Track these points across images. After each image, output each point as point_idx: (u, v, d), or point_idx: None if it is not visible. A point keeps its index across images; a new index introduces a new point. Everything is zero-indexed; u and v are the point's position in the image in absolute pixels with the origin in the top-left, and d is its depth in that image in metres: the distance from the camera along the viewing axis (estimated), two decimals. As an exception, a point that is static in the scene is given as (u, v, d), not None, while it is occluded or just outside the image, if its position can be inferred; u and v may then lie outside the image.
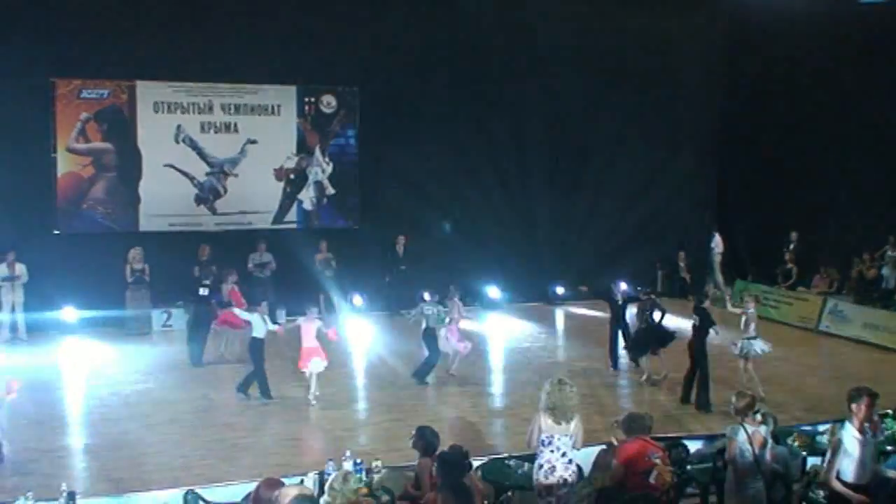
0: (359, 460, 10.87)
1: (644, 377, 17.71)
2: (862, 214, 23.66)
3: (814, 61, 24.95)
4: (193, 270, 21.85)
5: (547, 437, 9.79)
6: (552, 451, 9.77)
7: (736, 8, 26.68)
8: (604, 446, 11.58)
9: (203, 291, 19.03)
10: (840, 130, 24.29)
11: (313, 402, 15.87)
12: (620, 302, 18.61)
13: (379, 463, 10.88)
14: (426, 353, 17.52)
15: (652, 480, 9.79)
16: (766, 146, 26.81)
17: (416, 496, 9.87)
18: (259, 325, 16.40)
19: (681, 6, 26.74)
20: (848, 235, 23.87)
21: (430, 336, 17.45)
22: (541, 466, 9.82)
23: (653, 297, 18.53)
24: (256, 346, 16.33)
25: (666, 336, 17.66)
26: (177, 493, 10.69)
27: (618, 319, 18.73)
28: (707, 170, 28.31)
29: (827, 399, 16.52)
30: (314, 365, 15.98)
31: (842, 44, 24.02)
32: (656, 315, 17.72)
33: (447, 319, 17.56)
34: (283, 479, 8.93)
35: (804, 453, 11.85)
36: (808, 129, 25.19)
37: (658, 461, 9.86)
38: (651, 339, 17.82)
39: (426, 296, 17.68)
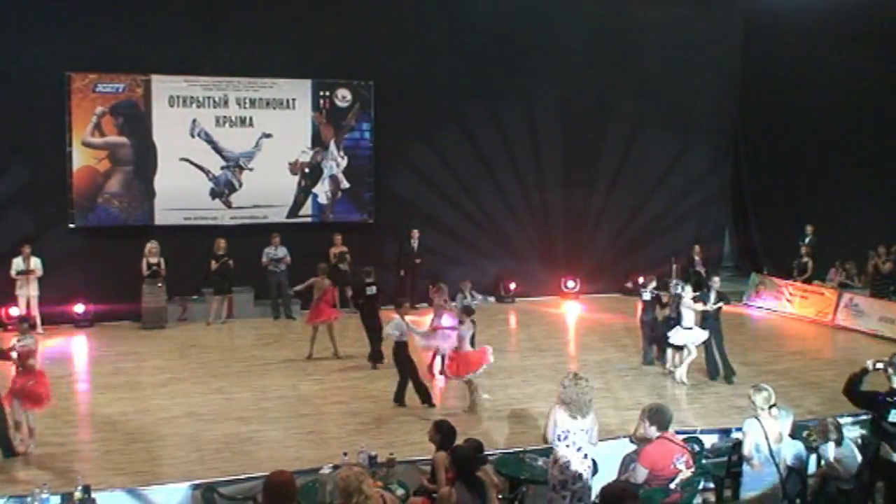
0: (374, 454, 10.90)
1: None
2: (877, 208, 23.59)
3: (830, 54, 24.86)
4: (210, 264, 22.04)
5: (563, 432, 9.76)
6: (568, 446, 9.74)
7: (752, 1, 26.60)
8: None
9: (371, 290, 18.29)
10: (856, 124, 24.21)
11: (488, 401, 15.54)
12: (649, 297, 18.46)
13: (394, 456, 10.88)
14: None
15: (672, 486, 9.78)
16: (781, 139, 26.76)
17: (431, 490, 9.87)
18: (401, 328, 15.65)
19: (697, -1, 26.72)
20: (863, 229, 23.79)
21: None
22: (556, 461, 9.79)
23: (659, 293, 18.46)
24: (400, 351, 15.68)
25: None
26: (192, 487, 10.74)
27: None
28: (723, 163, 28.22)
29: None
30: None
31: (858, 36, 23.91)
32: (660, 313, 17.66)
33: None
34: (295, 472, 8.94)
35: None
36: (823, 123, 25.14)
37: (683, 467, 9.83)
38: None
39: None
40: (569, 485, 9.69)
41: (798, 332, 22.41)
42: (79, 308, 21.53)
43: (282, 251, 22.73)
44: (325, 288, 18.89)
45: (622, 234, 26.26)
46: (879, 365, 10.48)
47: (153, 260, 21.42)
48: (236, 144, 23.00)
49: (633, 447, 11.69)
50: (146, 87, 22.11)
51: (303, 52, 23.08)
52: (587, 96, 25.67)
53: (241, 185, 23.10)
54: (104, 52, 21.44)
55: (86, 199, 21.83)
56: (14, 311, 20.63)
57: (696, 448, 11.51)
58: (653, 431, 10.22)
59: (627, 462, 11.13)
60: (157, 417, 14.94)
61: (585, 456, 9.80)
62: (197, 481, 10.88)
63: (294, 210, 23.65)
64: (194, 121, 22.57)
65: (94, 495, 9.95)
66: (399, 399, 15.65)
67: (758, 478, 9.91)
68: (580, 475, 9.71)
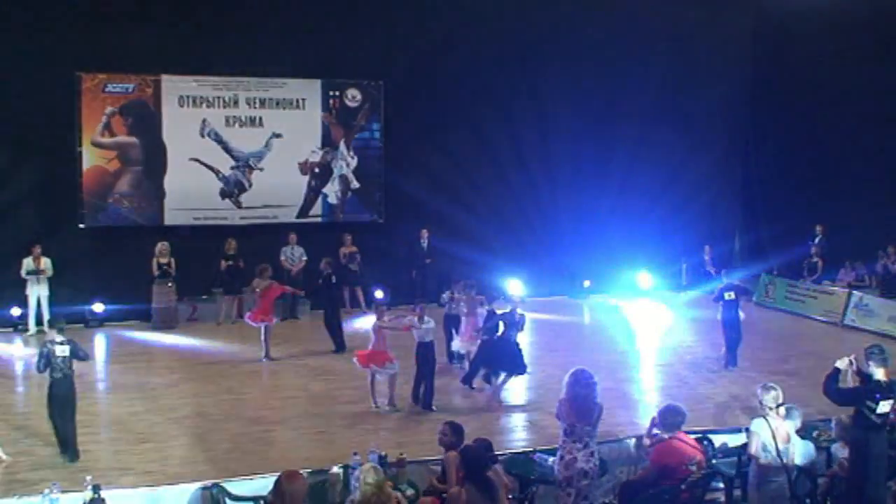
0: (384, 454, 10.90)
1: None
2: (887, 208, 23.52)
3: (839, 55, 24.78)
4: (220, 264, 22.06)
5: (569, 427, 9.71)
6: (574, 441, 9.69)
7: (763, 1, 26.56)
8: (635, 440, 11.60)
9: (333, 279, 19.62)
10: (866, 124, 24.13)
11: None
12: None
13: (405, 456, 10.88)
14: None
15: (683, 487, 9.76)
16: (791, 139, 26.68)
17: (441, 490, 9.87)
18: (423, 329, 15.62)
19: (707, -3, 26.67)
20: (873, 229, 23.72)
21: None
22: (562, 458, 9.75)
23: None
24: (424, 351, 15.65)
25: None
26: (202, 487, 10.75)
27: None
28: (732, 163, 28.16)
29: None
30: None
31: (869, 35, 23.83)
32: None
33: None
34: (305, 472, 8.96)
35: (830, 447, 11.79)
36: (833, 123, 25.04)
37: (694, 468, 9.80)
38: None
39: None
40: (573, 482, 9.63)
41: (808, 332, 22.36)
42: (89, 308, 21.57)
43: (298, 251, 22.77)
44: (264, 288, 18.87)
45: (633, 233, 26.19)
46: (844, 364, 10.59)
47: (163, 260, 21.46)
48: (246, 144, 23.03)
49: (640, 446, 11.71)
50: (156, 87, 22.15)
51: (313, 52, 23.09)
52: (598, 96, 25.62)
53: (250, 185, 23.14)
54: (114, 52, 21.46)
55: (96, 199, 21.87)
56: (15, 313, 20.77)
57: (707, 447, 11.50)
58: (664, 431, 10.22)
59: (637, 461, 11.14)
60: (166, 417, 14.96)
61: (592, 453, 9.75)
62: (207, 481, 10.90)
63: (304, 210, 23.67)
64: (204, 121, 22.61)
65: (103, 495, 9.96)
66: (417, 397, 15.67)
67: (765, 478, 9.89)
68: (586, 472, 9.65)
